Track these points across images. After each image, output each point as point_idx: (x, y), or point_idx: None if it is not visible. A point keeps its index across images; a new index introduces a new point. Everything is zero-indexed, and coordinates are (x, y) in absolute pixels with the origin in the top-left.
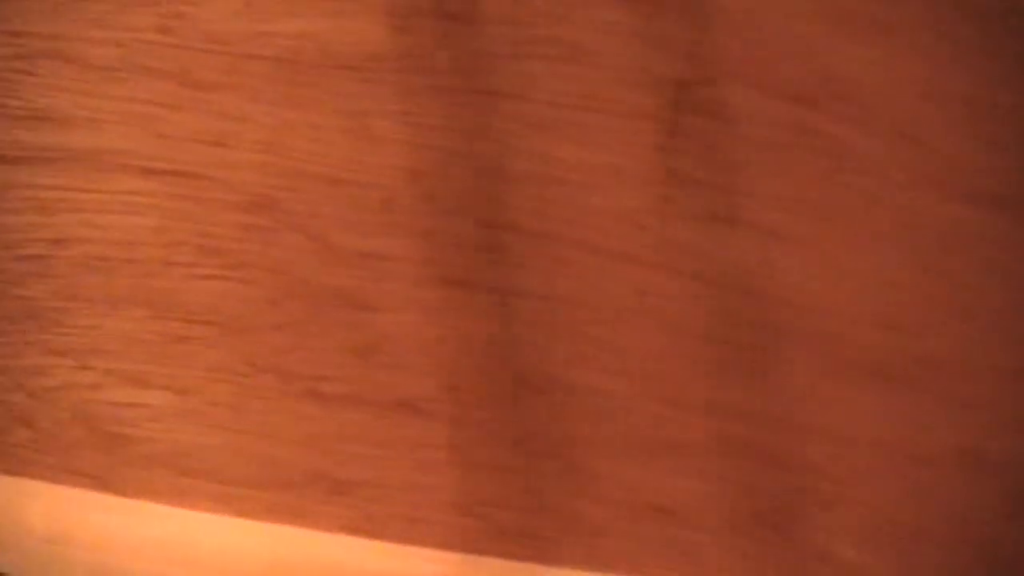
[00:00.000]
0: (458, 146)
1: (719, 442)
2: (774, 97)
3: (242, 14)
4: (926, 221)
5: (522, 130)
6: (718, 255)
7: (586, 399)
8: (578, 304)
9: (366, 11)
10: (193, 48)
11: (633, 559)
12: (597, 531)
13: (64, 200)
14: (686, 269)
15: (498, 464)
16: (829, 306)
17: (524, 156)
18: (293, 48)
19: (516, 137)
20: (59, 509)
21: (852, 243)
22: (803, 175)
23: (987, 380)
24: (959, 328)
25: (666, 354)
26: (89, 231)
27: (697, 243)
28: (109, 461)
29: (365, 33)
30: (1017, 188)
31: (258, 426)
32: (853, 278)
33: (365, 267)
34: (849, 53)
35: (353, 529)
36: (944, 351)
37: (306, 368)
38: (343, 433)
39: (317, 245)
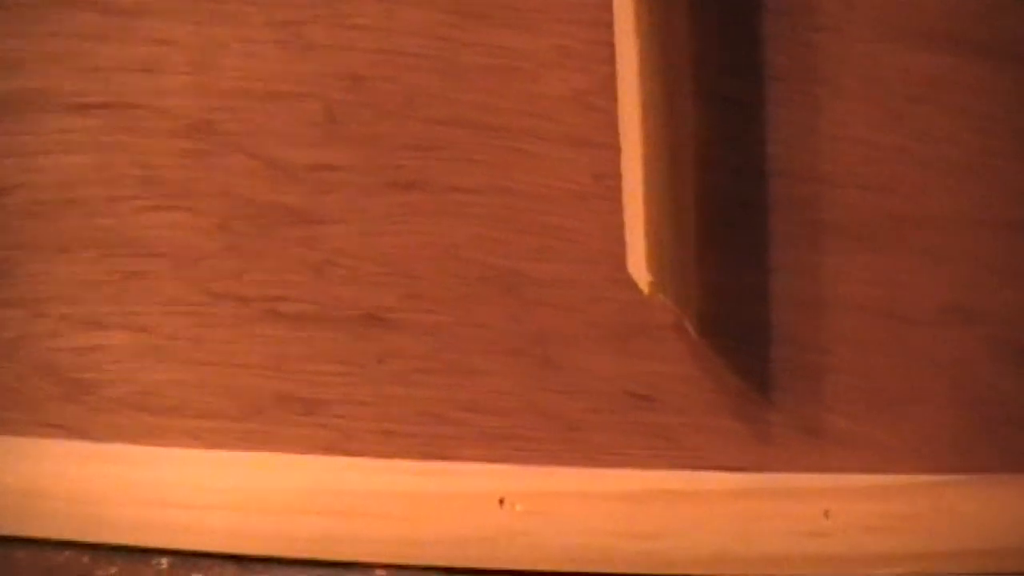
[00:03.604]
0: (396, 45)
1: (694, 321)
2: None
3: None
4: (892, 73)
5: (461, 21)
6: None
7: (553, 291)
8: (536, 195)
9: None
10: None
11: (614, 450)
12: (576, 425)
13: None
14: None
15: (470, 367)
16: (799, 171)
17: (466, 48)
18: None
19: (455, 29)
20: (31, 463)
21: (817, 104)
22: (760, 38)
23: (971, 234)
24: (937, 182)
25: None
26: (27, 176)
27: None
28: (76, 409)
29: None
30: (983, 30)
31: (221, 355)
32: (821, 140)
33: (312, 180)
34: None
35: (329, 449)
36: (922, 206)
37: (263, 290)
38: (308, 352)
39: (260, 163)
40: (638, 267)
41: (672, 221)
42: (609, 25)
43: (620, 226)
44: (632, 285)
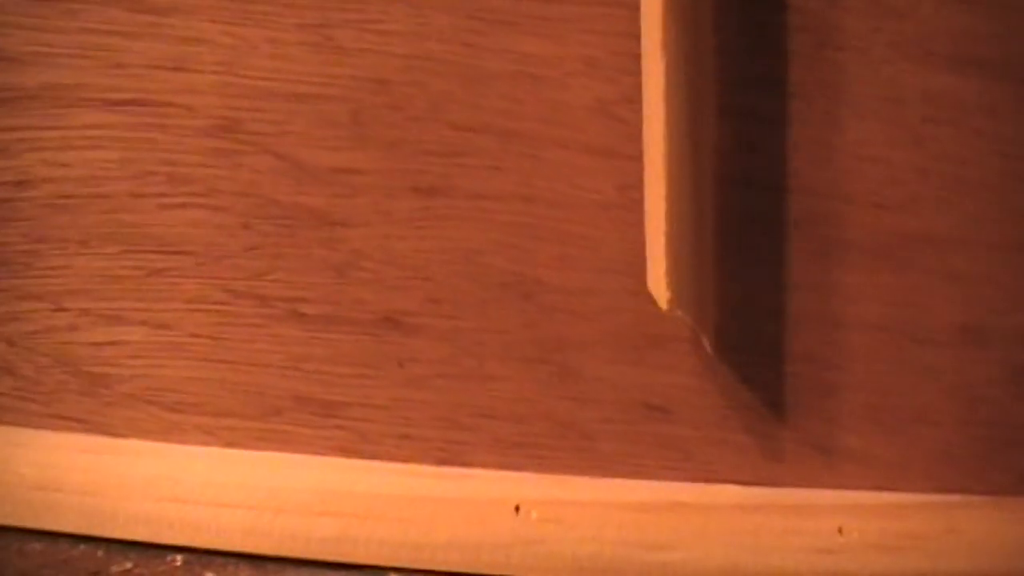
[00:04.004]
0: (423, 51)
1: (711, 337)
2: None
3: None
4: (912, 94)
5: (488, 28)
6: None
7: (572, 300)
8: (558, 203)
9: None
10: None
11: (628, 461)
12: (590, 434)
13: (24, 140)
14: None
15: (487, 373)
16: (816, 187)
17: (492, 55)
18: None
19: (483, 36)
20: (47, 455)
21: (836, 121)
22: (784, 55)
23: (985, 255)
24: (953, 202)
25: None
26: (53, 170)
27: None
28: (93, 403)
29: None
30: (1004, 53)
31: (241, 354)
32: (841, 158)
33: (336, 183)
34: None
35: (345, 451)
36: (939, 227)
37: (285, 291)
38: (327, 354)
39: (286, 164)
40: (657, 283)
41: (692, 237)
42: (635, 36)
43: (641, 237)
44: (650, 297)
